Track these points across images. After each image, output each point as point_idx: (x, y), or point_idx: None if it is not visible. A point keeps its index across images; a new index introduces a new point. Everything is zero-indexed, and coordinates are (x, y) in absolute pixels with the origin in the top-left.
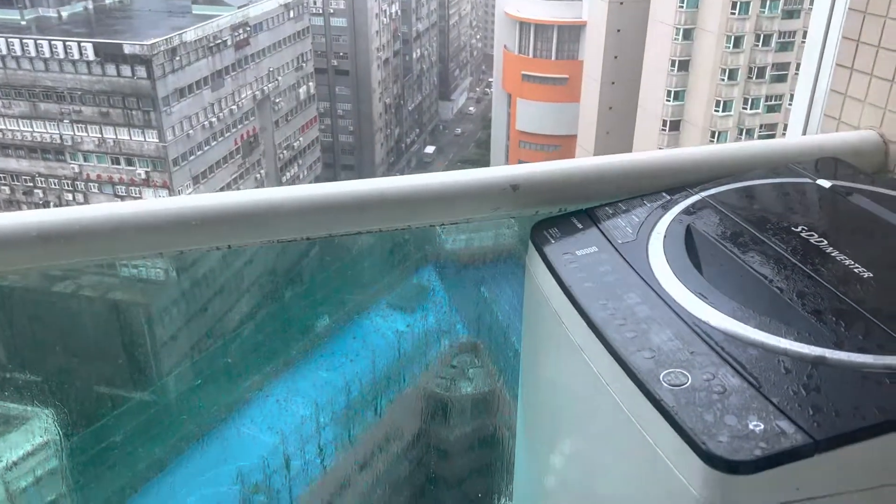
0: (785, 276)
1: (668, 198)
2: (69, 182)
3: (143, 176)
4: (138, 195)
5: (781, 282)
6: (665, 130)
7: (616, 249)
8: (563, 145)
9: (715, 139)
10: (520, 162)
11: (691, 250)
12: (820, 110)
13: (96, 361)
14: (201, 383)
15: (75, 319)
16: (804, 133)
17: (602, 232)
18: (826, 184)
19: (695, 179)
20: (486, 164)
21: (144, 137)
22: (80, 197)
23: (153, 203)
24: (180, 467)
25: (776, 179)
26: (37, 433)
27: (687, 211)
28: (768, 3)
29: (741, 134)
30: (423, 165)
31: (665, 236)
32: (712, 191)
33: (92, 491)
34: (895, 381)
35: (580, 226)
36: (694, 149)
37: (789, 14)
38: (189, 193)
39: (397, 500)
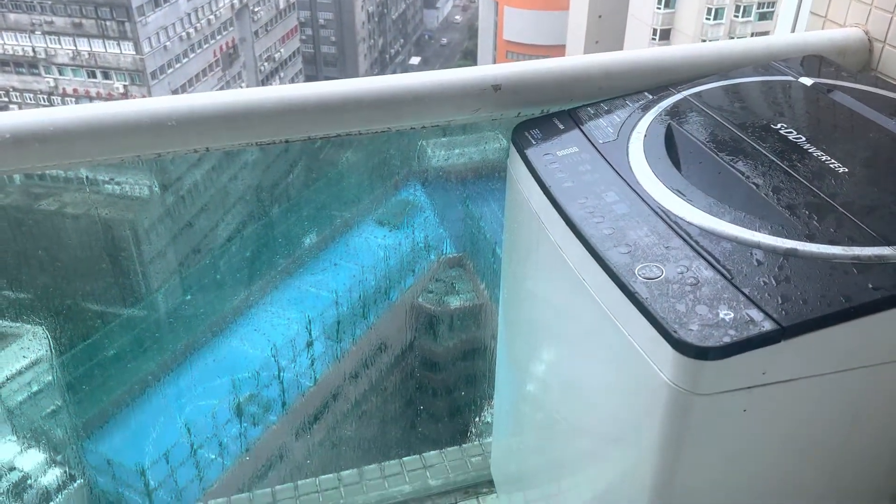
0: (762, 172)
1: (650, 97)
2: (45, 97)
3: (122, 90)
4: None
5: (758, 178)
6: (655, 39)
7: (597, 149)
8: (551, 55)
9: None
10: None
11: (671, 149)
12: (808, 9)
13: (86, 278)
14: (191, 299)
15: (62, 237)
16: (793, 32)
17: (583, 132)
18: (808, 81)
19: (678, 78)
20: None
21: (120, 49)
22: None
23: (129, 104)
24: (174, 380)
25: (758, 77)
26: (30, 349)
27: (668, 110)
28: None
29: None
30: None
31: (645, 136)
32: (694, 89)
33: (87, 404)
34: (862, 270)
35: (562, 126)
36: (677, 48)
37: None
38: None
39: (387, 409)
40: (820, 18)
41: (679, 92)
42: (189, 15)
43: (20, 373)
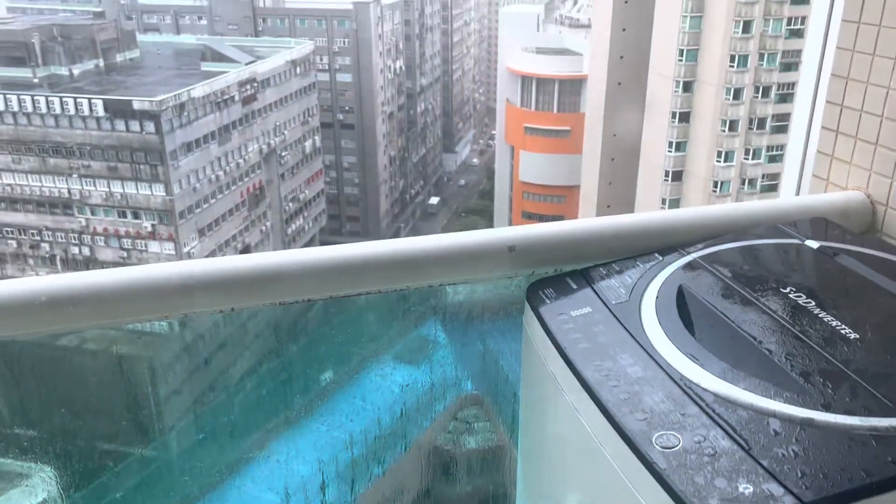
0: (774, 337)
1: (661, 258)
2: (76, 235)
3: (150, 229)
4: (144, 248)
5: (771, 343)
6: (668, 181)
7: (610, 310)
8: (566, 196)
9: (718, 189)
10: (524, 212)
11: (683, 311)
12: (810, 171)
13: (98, 416)
14: (203, 439)
15: (78, 374)
16: (797, 193)
17: (596, 292)
18: (814, 244)
19: (686, 240)
20: (490, 214)
21: (151, 191)
22: (86, 250)
23: (158, 268)
24: None
25: (765, 240)
26: (38, 489)
27: (679, 272)
28: (766, 56)
29: (743, 184)
30: (428, 216)
31: (657, 297)
32: (703, 251)
33: None
34: (880, 442)
35: (575, 286)
36: (685, 210)
37: (787, 67)
38: (195, 246)
39: None
40: (822, 181)
41: (689, 254)
42: (219, 159)
43: None
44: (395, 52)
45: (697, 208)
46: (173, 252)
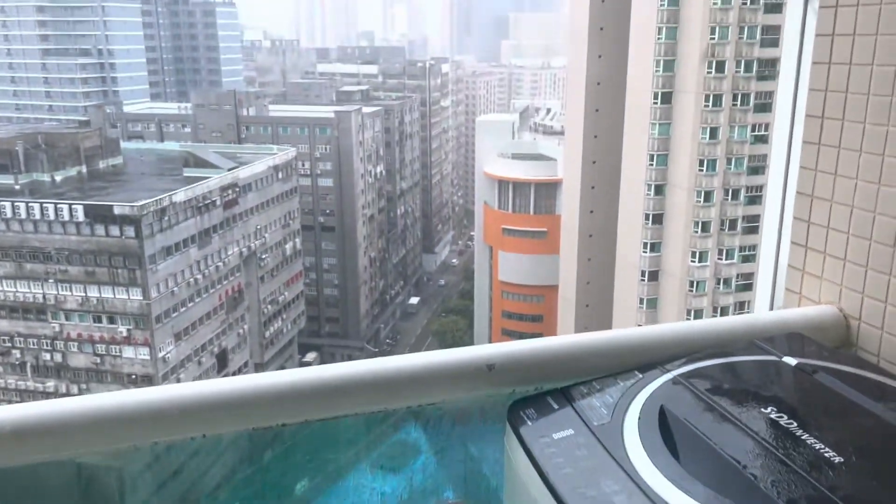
0: (759, 461)
1: (640, 376)
2: (48, 341)
3: (125, 334)
4: (118, 353)
5: (755, 468)
6: (644, 280)
7: (592, 432)
8: (545, 295)
9: (694, 288)
10: (504, 312)
11: (666, 433)
12: (783, 284)
13: None
14: None
15: (41, 486)
16: (771, 306)
17: (577, 412)
18: (792, 361)
19: (665, 356)
20: (470, 313)
21: (128, 295)
22: (58, 357)
23: (126, 395)
24: None
25: (744, 357)
26: None
27: (660, 391)
28: (733, 160)
29: (718, 284)
30: (408, 316)
31: (640, 418)
32: (683, 369)
33: None
34: None
35: (556, 406)
36: (663, 326)
37: (754, 170)
38: (170, 351)
39: None
40: (795, 295)
41: (668, 371)
42: (199, 262)
43: None
44: (375, 157)
45: (675, 324)
46: (148, 357)
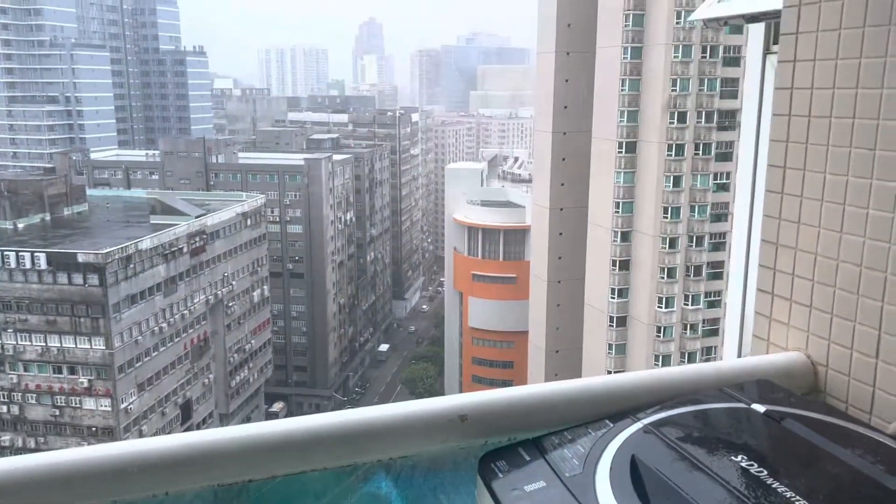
0: None
1: (611, 425)
2: (5, 393)
3: (86, 384)
4: (78, 405)
5: None
6: (613, 326)
7: (563, 483)
8: (515, 341)
9: (661, 334)
10: (475, 358)
11: (637, 484)
12: (750, 330)
13: None
14: None
15: None
16: (739, 353)
17: (549, 464)
18: (761, 408)
19: (636, 405)
20: (441, 360)
21: (91, 345)
22: (14, 409)
23: (86, 451)
24: None
25: (713, 405)
26: None
27: (631, 440)
28: (696, 208)
29: (686, 329)
30: (378, 363)
31: (611, 468)
32: (654, 417)
33: None
34: None
35: (528, 457)
36: (634, 374)
37: (717, 217)
38: (133, 402)
39: None
40: (763, 342)
41: (639, 420)
42: (164, 310)
43: None
44: (345, 204)
45: (645, 372)
46: (110, 409)
